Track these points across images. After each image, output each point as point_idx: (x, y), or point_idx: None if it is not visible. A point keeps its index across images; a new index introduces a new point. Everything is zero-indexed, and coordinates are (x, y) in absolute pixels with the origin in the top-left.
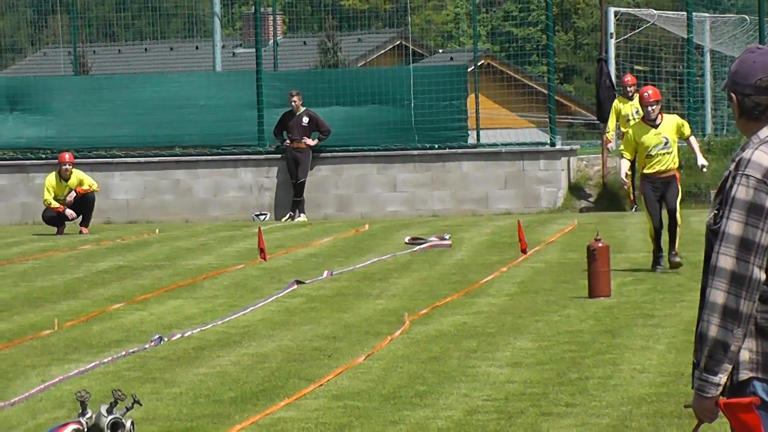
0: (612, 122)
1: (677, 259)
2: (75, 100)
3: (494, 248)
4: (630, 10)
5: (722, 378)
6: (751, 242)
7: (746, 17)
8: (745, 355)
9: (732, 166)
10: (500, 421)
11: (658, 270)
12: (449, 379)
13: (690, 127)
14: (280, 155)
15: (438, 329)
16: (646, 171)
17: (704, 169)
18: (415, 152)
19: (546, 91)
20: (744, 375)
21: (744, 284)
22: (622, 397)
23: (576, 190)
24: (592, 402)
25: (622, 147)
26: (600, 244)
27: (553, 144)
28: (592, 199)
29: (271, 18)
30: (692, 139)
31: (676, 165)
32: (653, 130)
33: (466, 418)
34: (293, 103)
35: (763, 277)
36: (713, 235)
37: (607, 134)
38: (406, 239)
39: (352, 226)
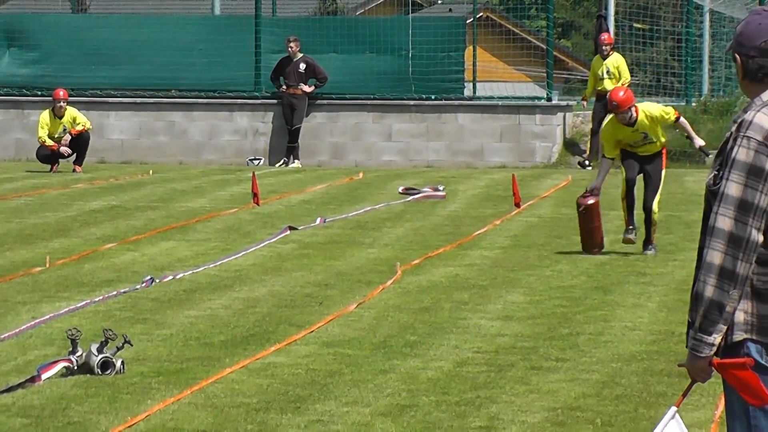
0: (590, 80)
1: (650, 252)
2: (72, 38)
3: (488, 201)
4: None
5: (717, 338)
6: (750, 204)
7: None
8: (740, 317)
9: (733, 128)
10: (490, 374)
11: (627, 237)
12: (440, 330)
13: (674, 110)
14: (276, 101)
15: (430, 280)
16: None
17: (704, 151)
18: (412, 102)
19: (544, 46)
20: (738, 336)
21: (741, 246)
22: (612, 353)
23: (571, 145)
24: (582, 357)
25: (602, 147)
26: (590, 201)
27: (549, 99)
28: (585, 155)
29: None
30: (682, 121)
31: (661, 146)
32: (630, 128)
33: (456, 370)
34: (290, 49)
35: (761, 239)
36: (712, 195)
37: (585, 91)
38: (400, 189)
39: (346, 174)
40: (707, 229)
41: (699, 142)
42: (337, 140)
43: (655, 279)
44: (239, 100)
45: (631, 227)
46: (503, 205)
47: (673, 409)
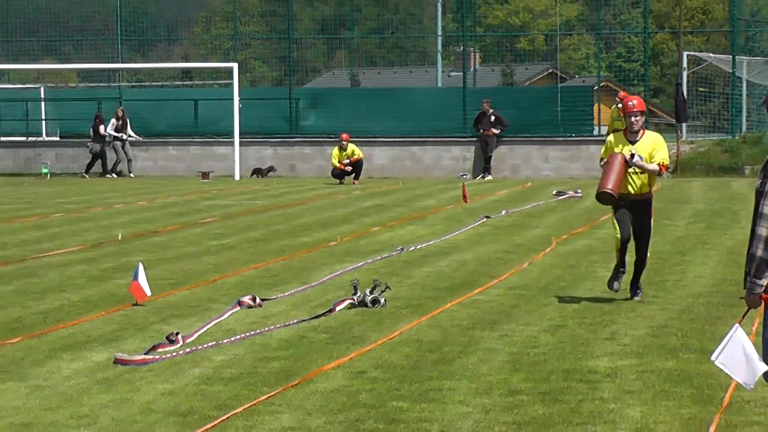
0: (609, 122)
1: (637, 298)
2: (352, 103)
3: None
4: (696, 53)
5: (764, 281)
6: None
7: None
8: None
9: None
10: (611, 305)
11: (614, 287)
12: (580, 279)
13: (667, 158)
14: (476, 139)
15: (573, 248)
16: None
17: (634, 158)
18: (560, 138)
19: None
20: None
21: None
22: (687, 293)
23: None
24: (668, 295)
25: (602, 154)
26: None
27: None
28: (670, 171)
29: (472, 54)
30: (653, 166)
31: (651, 188)
32: (629, 146)
33: (590, 303)
34: (484, 107)
35: None
36: (760, 195)
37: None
38: (554, 192)
39: (520, 184)
40: (757, 215)
41: (637, 157)
42: (514, 162)
43: (714, 246)
44: (454, 139)
45: (621, 269)
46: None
47: (737, 325)
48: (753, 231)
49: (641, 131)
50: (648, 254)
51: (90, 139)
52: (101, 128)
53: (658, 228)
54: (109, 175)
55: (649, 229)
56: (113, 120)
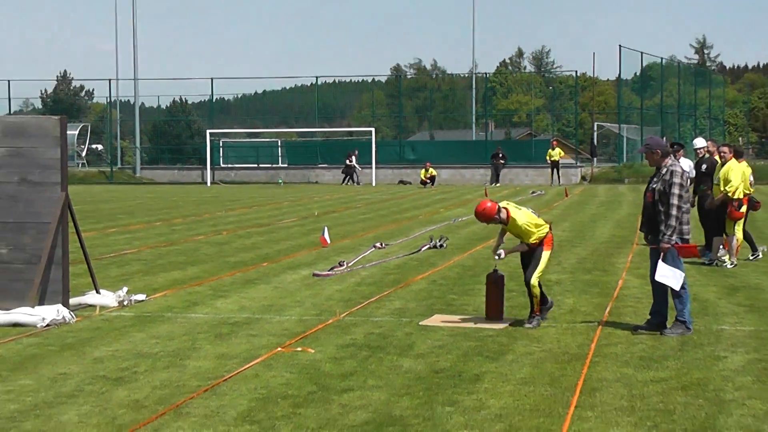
0: (548, 155)
1: (528, 326)
2: (430, 147)
3: (559, 196)
4: (601, 123)
5: (674, 239)
6: (683, 197)
7: (637, 126)
8: (682, 233)
9: (665, 171)
10: (559, 249)
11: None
12: None
13: (532, 236)
14: (492, 165)
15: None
16: None
17: (498, 257)
18: (534, 165)
19: (574, 147)
20: (677, 238)
21: (681, 210)
22: (596, 242)
23: (583, 179)
24: (586, 243)
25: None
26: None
27: (576, 163)
28: (589, 181)
29: (490, 123)
30: (519, 247)
31: (536, 241)
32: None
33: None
34: (496, 149)
35: (686, 207)
36: (664, 195)
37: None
38: (531, 192)
39: (513, 188)
40: (668, 206)
41: (502, 253)
42: (511, 177)
43: (609, 218)
44: (480, 165)
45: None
46: (563, 196)
47: (660, 261)
48: (648, 216)
49: (506, 219)
50: (534, 280)
51: (345, 166)
52: (347, 160)
53: (582, 209)
54: (354, 184)
55: (539, 257)
56: (354, 155)
